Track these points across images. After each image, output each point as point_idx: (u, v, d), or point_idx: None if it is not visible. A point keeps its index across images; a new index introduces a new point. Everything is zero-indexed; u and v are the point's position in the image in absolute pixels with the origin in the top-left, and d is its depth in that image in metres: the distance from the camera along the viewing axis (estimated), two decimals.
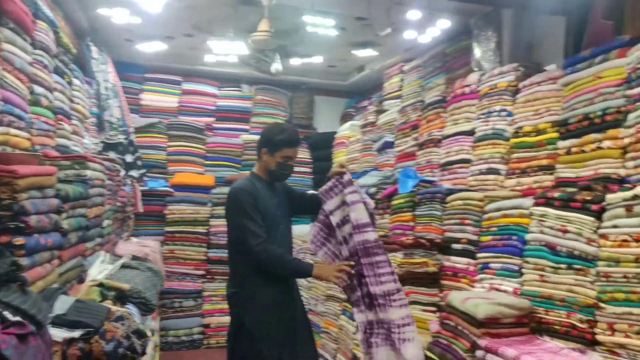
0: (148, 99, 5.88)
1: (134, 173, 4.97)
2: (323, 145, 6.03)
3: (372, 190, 4.26)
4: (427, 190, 3.46)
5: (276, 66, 4.57)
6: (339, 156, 5.75)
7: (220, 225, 5.70)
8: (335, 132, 6.04)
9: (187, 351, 5.35)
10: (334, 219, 2.55)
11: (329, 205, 2.59)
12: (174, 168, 5.81)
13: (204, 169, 5.94)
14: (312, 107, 6.65)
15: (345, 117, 6.41)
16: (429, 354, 2.55)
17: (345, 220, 2.54)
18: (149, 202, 5.40)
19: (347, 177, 2.57)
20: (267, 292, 2.60)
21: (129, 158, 4.83)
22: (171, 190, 5.56)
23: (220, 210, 5.73)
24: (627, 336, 1.85)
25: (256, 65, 4.68)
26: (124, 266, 2.89)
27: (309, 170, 6.37)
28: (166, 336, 5.29)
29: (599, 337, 1.96)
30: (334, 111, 6.69)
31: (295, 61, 5.17)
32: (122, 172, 4.19)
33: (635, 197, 1.90)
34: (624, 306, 1.87)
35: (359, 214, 2.49)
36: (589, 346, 2.01)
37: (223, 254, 5.66)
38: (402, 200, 3.70)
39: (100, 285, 2.30)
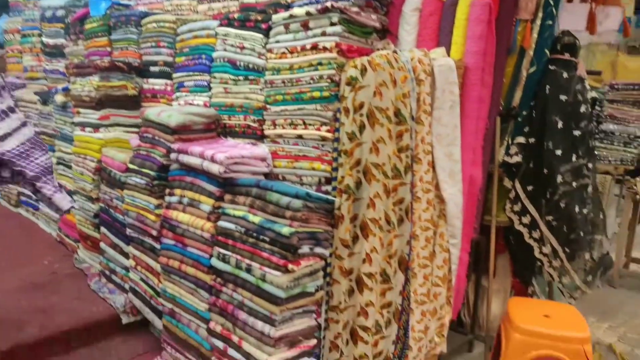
0: None
1: None
2: None
3: (61, 13, 3.88)
4: (121, 13, 3.36)
5: None
6: None
7: None
8: None
9: None
10: None
11: None
12: None
13: None
14: None
15: None
16: (131, 166, 2.77)
17: None
18: None
19: None
20: None
21: None
22: None
23: None
24: (283, 128, 2.39)
25: None
26: None
27: None
28: None
29: (266, 132, 2.46)
30: None
31: None
32: None
33: (290, 16, 2.32)
34: (281, 105, 2.38)
35: None
36: (259, 140, 2.53)
37: None
38: (95, 24, 3.52)
39: None
